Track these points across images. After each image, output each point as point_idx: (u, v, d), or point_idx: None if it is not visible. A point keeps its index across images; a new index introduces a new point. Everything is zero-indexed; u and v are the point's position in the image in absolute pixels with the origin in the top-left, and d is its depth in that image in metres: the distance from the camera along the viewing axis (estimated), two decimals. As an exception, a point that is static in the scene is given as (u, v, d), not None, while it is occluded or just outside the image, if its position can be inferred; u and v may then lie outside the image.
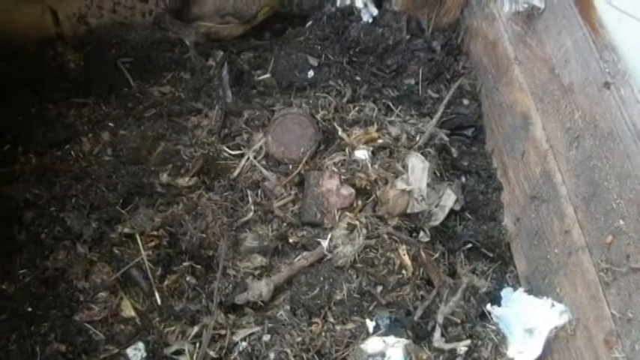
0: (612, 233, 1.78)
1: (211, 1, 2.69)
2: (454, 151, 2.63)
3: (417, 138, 2.53)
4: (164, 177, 2.33)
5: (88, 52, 2.84)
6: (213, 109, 2.62)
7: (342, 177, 2.29)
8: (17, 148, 2.48)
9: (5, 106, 2.59)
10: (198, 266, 2.14)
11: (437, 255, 2.27)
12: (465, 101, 2.79)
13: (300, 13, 3.08)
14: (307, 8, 3.08)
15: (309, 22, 2.97)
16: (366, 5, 2.92)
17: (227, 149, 2.47)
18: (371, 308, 2.09)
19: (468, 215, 2.49)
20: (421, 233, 2.30)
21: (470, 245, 2.40)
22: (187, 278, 2.11)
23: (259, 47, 2.90)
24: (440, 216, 2.35)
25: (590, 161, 1.94)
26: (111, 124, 2.55)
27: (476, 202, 2.52)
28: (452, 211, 2.42)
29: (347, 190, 2.26)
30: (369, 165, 2.33)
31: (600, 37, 1.98)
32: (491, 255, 2.39)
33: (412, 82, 2.84)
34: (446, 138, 2.62)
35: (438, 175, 2.47)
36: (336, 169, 2.33)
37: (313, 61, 2.76)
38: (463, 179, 2.58)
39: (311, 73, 2.73)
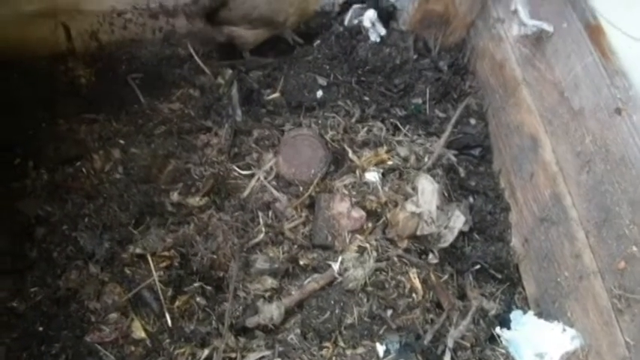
0: (625, 259, 1.79)
1: (240, 7, 2.68)
2: (461, 171, 2.64)
3: (426, 159, 2.53)
4: (174, 196, 2.33)
5: (98, 68, 2.84)
6: (222, 127, 2.61)
7: (353, 199, 2.30)
8: (28, 162, 2.47)
9: (16, 120, 2.59)
10: (209, 287, 2.14)
11: (446, 277, 2.28)
12: (472, 121, 2.79)
13: (308, 32, 3.08)
14: (315, 27, 3.08)
15: (317, 41, 2.97)
16: (373, 25, 2.93)
17: (237, 169, 2.46)
18: (381, 332, 2.09)
19: (476, 236, 2.49)
20: (430, 255, 2.30)
21: (478, 266, 2.40)
22: (197, 299, 2.10)
23: (268, 66, 2.90)
24: (449, 237, 2.34)
25: (601, 186, 1.94)
26: (121, 142, 2.55)
27: (484, 222, 2.52)
28: (460, 232, 2.41)
29: (358, 213, 2.26)
30: (380, 187, 2.34)
31: (611, 62, 1.99)
32: (499, 276, 2.39)
33: (419, 101, 2.84)
34: (453, 158, 2.62)
35: (446, 195, 2.47)
36: (346, 192, 2.33)
37: (322, 81, 2.76)
38: (471, 199, 2.58)
39: (320, 93, 2.73)
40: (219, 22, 2.76)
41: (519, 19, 2.34)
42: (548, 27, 2.28)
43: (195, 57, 2.91)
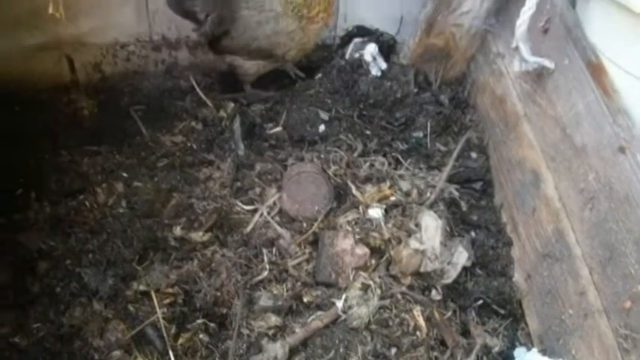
0: (631, 299, 1.77)
1: (241, 37, 2.70)
2: (463, 205, 2.63)
3: (428, 193, 2.54)
4: (177, 231, 2.32)
5: (101, 99, 2.87)
6: (225, 161, 2.62)
7: (357, 236, 2.29)
8: (30, 193, 2.46)
9: (18, 150, 2.60)
10: (212, 324, 2.12)
11: (449, 314, 2.25)
12: (473, 154, 2.80)
13: (309, 65, 3.10)
14: (316, 60, 3.11)
15: (319, 75, 2.99)
16: (375, 59, 2.96)
17: (240, 203, 2.46)
18: (386, 371, 2.08)
19: (479, 271, 2.47)
20: (433, 291, 2.29)
21: (481, 302, 2.38)
22: (201, 336, 2.08)
23: (270, 99, 2.92)
24: (452, 274, 2.33)
25: (605, 224, 1.94)
26: (124, 175, 2.55)
27: (486, 257, 2.50)
28: (463, 267, 2.41)
29: (361, 250, 2.25)
30: (383, 224, 2.33)
31: (613, 101, 1.99)
32: (502, 312, 2.37)
33: (420, 135, 2.86)
34: (456, 193, 2.62)
35: (449, 230, 2.46)
36: (350, 228, 2.33)
37: (324, 115, 2.78)
38: (472, 234, 2.56)
39: (322, 127, 2.74)
40: (222, 50, 2.80)
41: (520, 56, 2.35)
42: (549, 64, 2.29)
43: (197, 89, 2.94)
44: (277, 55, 2.76)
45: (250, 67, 2.81)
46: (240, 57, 2.79)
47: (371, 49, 2.96)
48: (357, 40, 3.05)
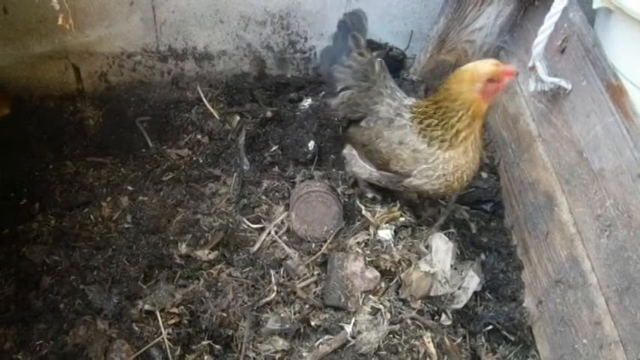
0: (651, 332, 1.72)
1: (365, 132, 2.36)
2: (473, 227, 2.58)
3: (438, 214, 2.49)
4: (183, 247, 2.28)
5: (107, 109, 2.85)
6: (231, 176, 2.58)
7: (367, 258, 2.24)
8: (34, 204, 2.44)
9: (23, 158, 2.59)
10: (217, 346, 2.07)
11: (459, 340, 2.20)
12: (484, 174, 2.75)
13: (315, 80, 3.07)
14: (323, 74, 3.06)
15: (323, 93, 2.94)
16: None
17: (247, 221, 2.42)
18: (394, 400, 2.02)
19: (488, 295, 2.42)
20: (443, 316, 2.23)
21: (490, 327, 2.33)
22: (205, 358, 2.04)
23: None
24: (463, 298, 2.29)
25: (623, 252, 1.88)
26: (130, 188, 2.53)
27: (496, 280, 2.45)
28: (473, 291, 2.36)
29: (372, 273, 2.20)
30: (393, 246, 2.28)
31: (635, 125, 1.94)
32: (512, 338, 2.32)
33: (431, 153, 2.80)
34: (466, 214, 2.57)
35: (459, 253, 2.41)
36: (360, 250, 2.27)
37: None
38: (482, 256, 2.51)
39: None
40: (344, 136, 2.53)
41: (537, 75, 2.30)
42: (566, 84, 2.24)
43: (204, 100, 2.90)
44: (392, 169, 2.29)
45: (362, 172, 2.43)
46: (356, 150, 2.41)
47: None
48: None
